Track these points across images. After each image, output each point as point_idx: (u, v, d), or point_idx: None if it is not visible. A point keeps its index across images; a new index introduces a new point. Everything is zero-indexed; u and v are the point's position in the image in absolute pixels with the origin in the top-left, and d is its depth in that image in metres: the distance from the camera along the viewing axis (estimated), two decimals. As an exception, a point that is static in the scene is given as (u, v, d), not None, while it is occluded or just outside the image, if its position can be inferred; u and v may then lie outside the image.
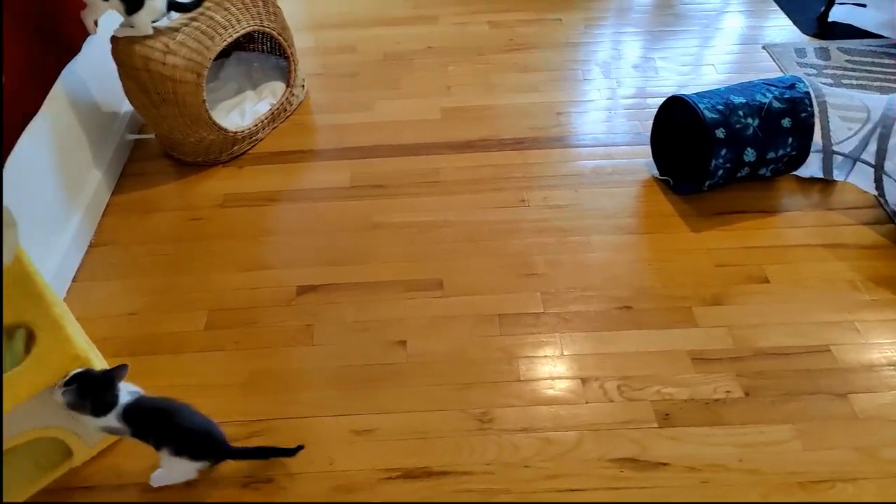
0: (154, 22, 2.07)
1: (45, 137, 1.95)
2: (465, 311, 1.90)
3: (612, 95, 2.69)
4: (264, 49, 2.81)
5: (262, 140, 2.52)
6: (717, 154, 2.02)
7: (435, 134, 2.52)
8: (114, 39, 2.09)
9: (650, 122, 2.30)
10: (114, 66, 2.14)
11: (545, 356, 1.78)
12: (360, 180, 2.33)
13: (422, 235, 2.12)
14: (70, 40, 2.07)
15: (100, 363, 1.59)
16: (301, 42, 2.85)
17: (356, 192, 2.29)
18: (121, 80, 2.18)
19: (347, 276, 2.01)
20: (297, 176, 2.37)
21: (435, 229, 2.14)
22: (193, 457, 1.47)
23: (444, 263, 2.03)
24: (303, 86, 2.73)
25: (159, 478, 1.52)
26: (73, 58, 2.09)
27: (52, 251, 1.95)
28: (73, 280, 2.02)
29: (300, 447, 1.54)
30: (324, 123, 2.62)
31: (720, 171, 2.07)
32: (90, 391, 1.35)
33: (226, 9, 2.25)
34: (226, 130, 2.34)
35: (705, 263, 1.99)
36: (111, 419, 1.39)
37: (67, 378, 1.35)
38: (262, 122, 2.50)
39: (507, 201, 2.23)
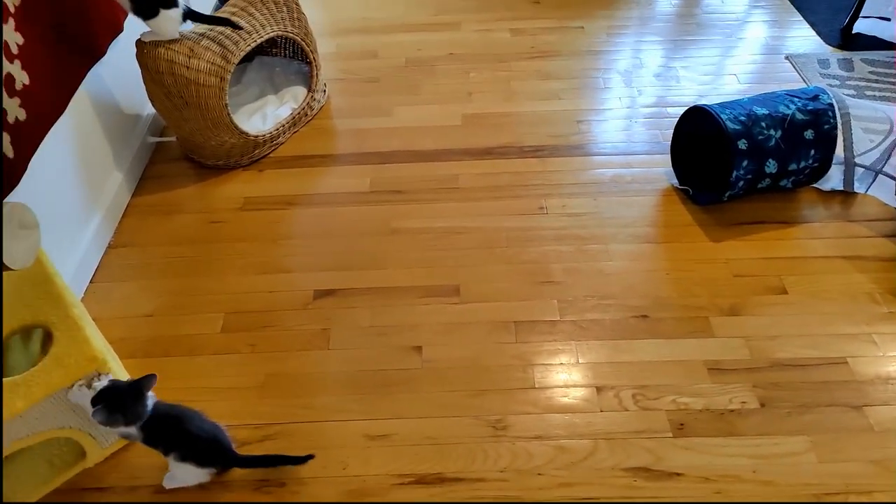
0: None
1: (68, 139, 1.98)
2: (481, 317, 1.90)
3: (632, 104, 2.68)
4: (287, 54, 2.83)
5: (282, 144, 2.54)
6: (739, 165, 2.01)
7: (455, 140, 2.52)
8: (139, 43, 2.12)
9: (670, 132, 2.29)
10: (137, 70, 2.17)
11: (560, 364, 1.78)
12: (379, 185, 2.34)
13: (439, 241, 2.12)
14: (95, 44, 2.09)
15: (116, 364, 1.60)
16: (323, 47, 2.87)
17: (375, 198, 2.30)
18: (144, 83, 2.21)
19: (364, 280, 2.01)
20: (316, 180, 2.38)
21: (453, 235, 2.14)
22: (199, 463, 1.48)
23: (461, 270, 2.03)
24: (324, 91, 2.74)
25: (172, 480, 1.53)
26: (97, 61, 2.11)
27: (72, 251, 1.98)
28: (92, 281, 2.04)
29: (310, 456, 1.55)
30: (344, 128, 2.63)
31: (741, 183, 2.06)
32: (121, 405, 1.35)
33: (251, 14, 2.27)
34: (247, 134, 2.35)
35: (723, 273, 1.98)
36: (133, 427, 1.40)
37: (96, 394, 1.35)
38: (283, 126, 2.51)
39: (525, 208, 2.23)
